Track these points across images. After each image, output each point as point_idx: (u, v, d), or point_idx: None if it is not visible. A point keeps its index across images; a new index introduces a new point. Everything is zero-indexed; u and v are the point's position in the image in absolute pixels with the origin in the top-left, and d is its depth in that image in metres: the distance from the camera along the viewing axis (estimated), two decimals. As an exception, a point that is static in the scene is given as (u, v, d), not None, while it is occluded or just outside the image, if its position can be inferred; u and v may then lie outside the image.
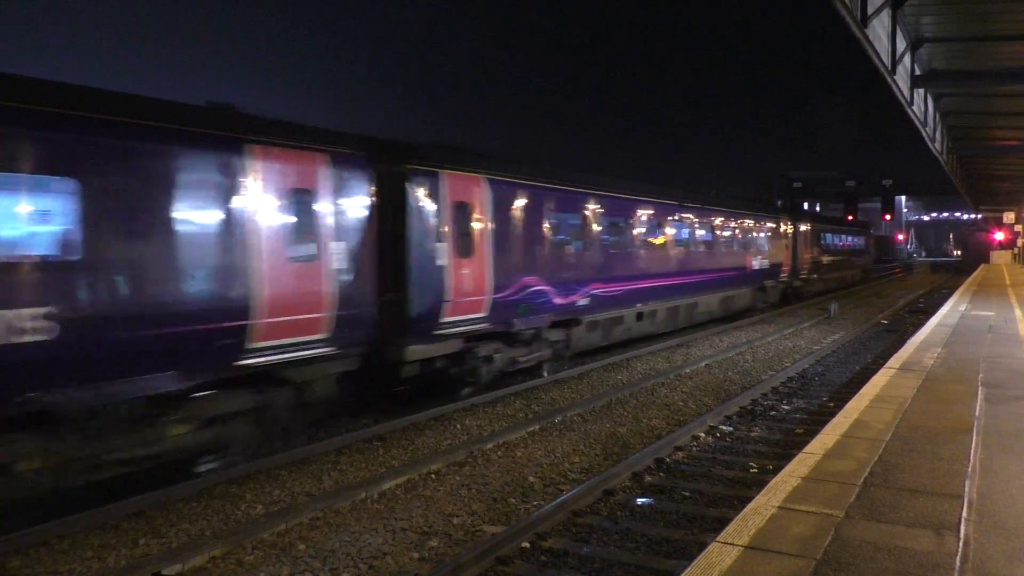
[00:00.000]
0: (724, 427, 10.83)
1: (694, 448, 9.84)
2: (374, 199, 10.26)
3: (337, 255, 9.61)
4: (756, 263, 25.29)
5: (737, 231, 23.87)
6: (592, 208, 15.61)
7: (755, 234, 25.57)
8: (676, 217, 19.58)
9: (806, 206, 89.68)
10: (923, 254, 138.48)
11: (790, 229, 29.55)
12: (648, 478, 8.57)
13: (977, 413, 7.53)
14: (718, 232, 22.37)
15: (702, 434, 10.44)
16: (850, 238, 41.92)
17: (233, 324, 8.18)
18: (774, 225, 27.77)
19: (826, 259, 35.25)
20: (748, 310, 25.41)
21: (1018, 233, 56.66)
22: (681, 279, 19.49)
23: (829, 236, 36.34)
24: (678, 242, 19.64)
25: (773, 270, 27.35)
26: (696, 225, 20.89)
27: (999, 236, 61.59)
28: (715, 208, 22.47)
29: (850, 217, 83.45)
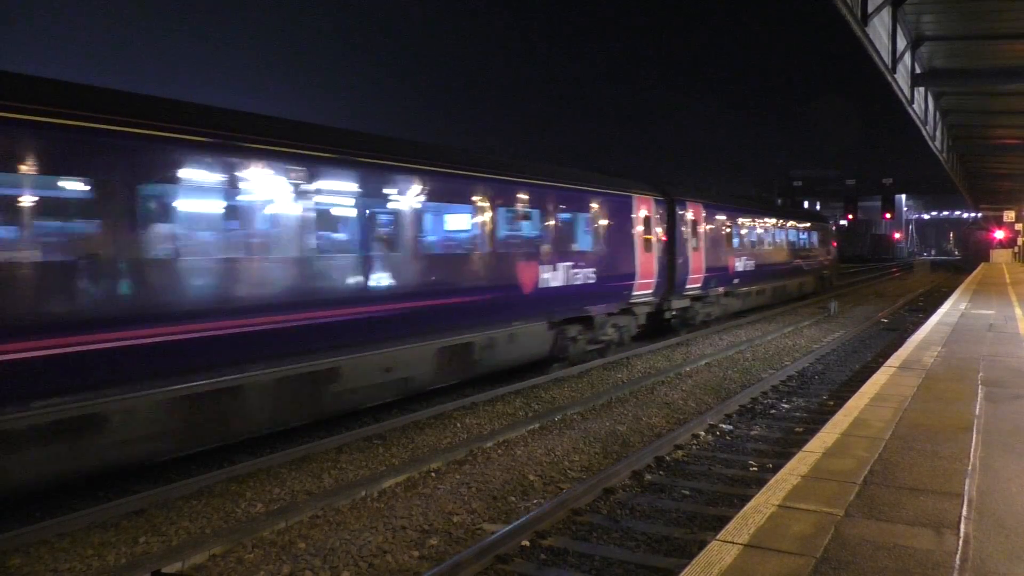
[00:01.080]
0: (724, 425, 10.83)
1: (694, 446, 9.84)
2: None
3: None
4: (556, 275, 13.87)
5: (490, 217, 12.40)
6: None
7: (551, 222, 13.97)
8: (251, 183, 8.70)
9: (806, 204, 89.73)
10: (931, 252, 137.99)
11: (656, 215, 17.62)
12: (648, 476, 8.58)
13: (977, 412, 7.53)
14: (416, 218, 10.95)
15: (702, 432, 10.44)
16: (796, 233, 30.35)
17: None
18: (610, 207, 15.77)
19: (744, 264, 23.37)
20: (547, 362, 14.40)
21: (1018, 232, 56.68)
22: (262, 320, 8.69)
23: (752, 229, 24.69)
24: (246, 238, 8.93)
25: (610, 288, 15.68)
26: (325, 201, 9.72)
27: (999, 235, 61.58)
28: (403, 164, 10.81)
29: (850, 216, 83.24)
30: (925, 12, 13.71)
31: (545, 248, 13.79)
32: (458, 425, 10.79)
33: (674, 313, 19.38)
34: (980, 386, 8.81)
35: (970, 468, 5.71)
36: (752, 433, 10.52)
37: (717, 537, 4.44)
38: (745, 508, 4.92)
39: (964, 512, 4.82)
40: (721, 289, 21.81)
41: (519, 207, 13.41)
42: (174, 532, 7.02)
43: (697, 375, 14.71)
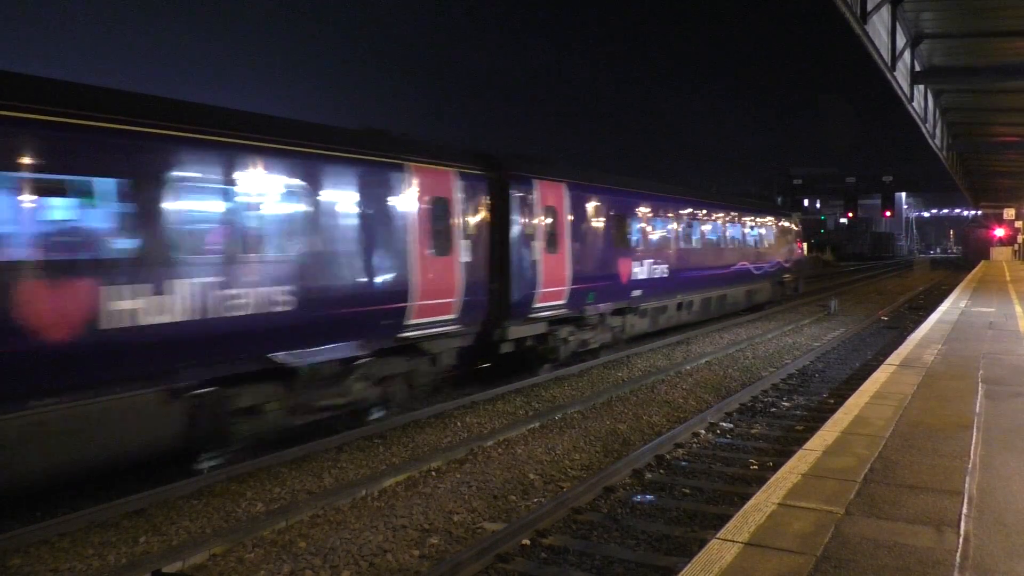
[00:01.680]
0: (724, 424, 10.83)
1: (694, 445, 9.84)
2: None
3: None
4: (182, 301, 7.60)
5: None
6: None
7: (170, 204, 7.56)
8: None
9: (807, 203, 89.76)
10: (936, 251, 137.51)
11: (463, 199, 11.73)
12: (648, 475, 8.58)
13: (977, 409, 7.53)
14: None
15: (702, 431, 10.44)
16: (741, 229, 23.78)
17: None
18: (347, 182, 9.79)
19: (649, 269, 17.30)
20: (182, 456, 8.30)
21: (1018, 229, 56.67)
22: None
23: (666, 222, 18.53)
24: None
25: (343, 316, 9.64)
26: None
27: (999, 232, 61.57)
28: None
29: (851, 215, 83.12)
30: (924, 10, 13.68)
31: (145, 250, 7.39)
32: (458, 424, 10.79)
33: (519, 344, 13.32)
34: (980, 384, 8.81)
35: (970, 466, 5.71)
36: (752, 431, 10.52)
37: (717, 535, 4.44)
38: (745, 506, 4.92)
39: (964, 510, 4.82)
40: (606, 306, 15.61)
41: (32, 169, 6.60)
42: (174, 532, 7.02)
43: (697, 373, 14.70)
